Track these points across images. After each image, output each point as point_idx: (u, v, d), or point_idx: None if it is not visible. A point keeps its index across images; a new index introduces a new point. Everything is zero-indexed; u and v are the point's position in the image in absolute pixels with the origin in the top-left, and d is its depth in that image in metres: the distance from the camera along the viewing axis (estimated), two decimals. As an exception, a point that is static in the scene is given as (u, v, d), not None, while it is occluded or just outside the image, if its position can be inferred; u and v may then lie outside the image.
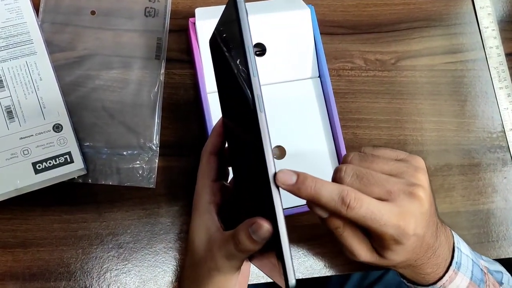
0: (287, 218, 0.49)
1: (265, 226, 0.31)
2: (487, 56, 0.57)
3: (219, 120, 0.40)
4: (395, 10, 0.57)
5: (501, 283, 0.44)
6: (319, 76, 0.51)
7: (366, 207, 0.31)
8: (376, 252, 0.35)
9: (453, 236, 0.41)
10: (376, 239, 0.33)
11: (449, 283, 0.40)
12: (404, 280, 0.43)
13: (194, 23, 0.48)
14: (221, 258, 0.36)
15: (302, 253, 0.49)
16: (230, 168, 0.44)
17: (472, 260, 0.42)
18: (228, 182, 0.44)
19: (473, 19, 0.58)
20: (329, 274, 0.49)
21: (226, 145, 0.40)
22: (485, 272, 0.43)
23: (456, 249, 0.40)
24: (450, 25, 0.58)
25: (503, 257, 0.53)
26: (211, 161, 0.40)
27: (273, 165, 0.30)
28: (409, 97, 0.55)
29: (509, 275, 0.46)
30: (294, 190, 0.31)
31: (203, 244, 0.38)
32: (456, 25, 0.58)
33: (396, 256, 0.34)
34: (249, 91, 0.30)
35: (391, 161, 0.35)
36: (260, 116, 0.30)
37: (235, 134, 0.37)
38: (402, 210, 0.32)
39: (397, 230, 0.32)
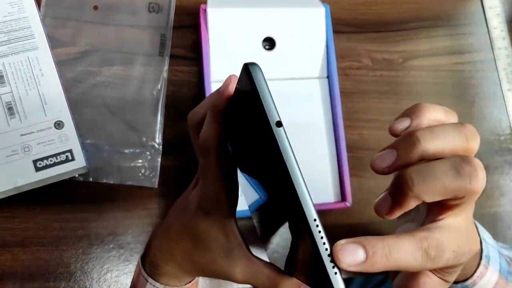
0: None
1: None
2: (496, 57, 0.56)
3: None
4: (402, 9, 0.56)
5: None
6: (327, 77, 0.50)
7: (447, 247, 0.25)
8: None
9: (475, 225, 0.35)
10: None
11: (480, 279, 0.36)
12: None
13: (205, 10, 0.47)
14: (238, 274, 0.32)
15: (306, 255, 0.48)
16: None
17: (498, 251, 0.38)
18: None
19: (481, 20, 0.58)
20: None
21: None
22: (509, 263, 0.39)
23: (482, 241, 0.35)
24: (458, 25, 0.57)
25: (510, 261, 0.52)
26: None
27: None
28: (416, 97, 0.54)
29: None
30: (367, 268, 0.23)
31: (216, 241, 0.32)
32: (464, 25, 0.57)
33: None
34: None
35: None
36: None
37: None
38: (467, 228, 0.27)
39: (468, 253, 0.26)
